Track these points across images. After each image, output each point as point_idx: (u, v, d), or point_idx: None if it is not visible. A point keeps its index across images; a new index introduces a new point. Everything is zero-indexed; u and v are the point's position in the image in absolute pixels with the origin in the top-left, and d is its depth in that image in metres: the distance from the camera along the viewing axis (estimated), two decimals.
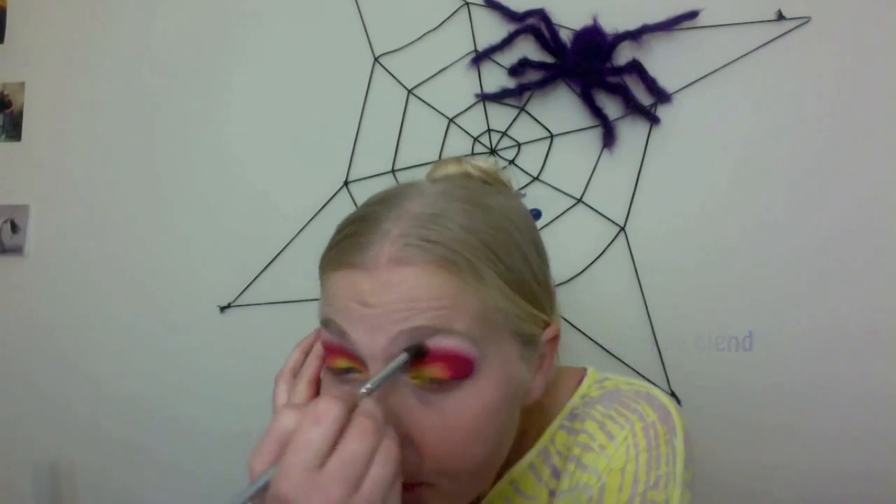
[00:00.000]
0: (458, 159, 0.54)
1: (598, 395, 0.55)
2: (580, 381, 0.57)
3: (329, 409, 0.36)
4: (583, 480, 0.50)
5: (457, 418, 0.42)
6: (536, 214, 0.65)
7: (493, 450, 0.45)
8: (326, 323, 0.45)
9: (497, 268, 0.44)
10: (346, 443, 0.35)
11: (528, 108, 0.95)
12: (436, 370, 0.42)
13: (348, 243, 0.45)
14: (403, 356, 0.42)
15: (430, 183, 0.50)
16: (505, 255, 0.45)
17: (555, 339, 0.50)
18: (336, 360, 0.45)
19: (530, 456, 0.53)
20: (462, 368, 0.42)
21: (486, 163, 0.55)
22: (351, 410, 0.37)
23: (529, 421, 0.53)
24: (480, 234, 0.44)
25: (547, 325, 0.49)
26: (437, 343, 0.41)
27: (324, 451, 0.35)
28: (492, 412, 0.43)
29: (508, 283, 0.45)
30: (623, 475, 0.49)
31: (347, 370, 0.45)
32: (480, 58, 0.97)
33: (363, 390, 0.41)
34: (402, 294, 0.42)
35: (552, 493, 0.52)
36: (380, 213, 0.45)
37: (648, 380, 0.91)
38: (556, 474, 0.52)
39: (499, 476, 0.54)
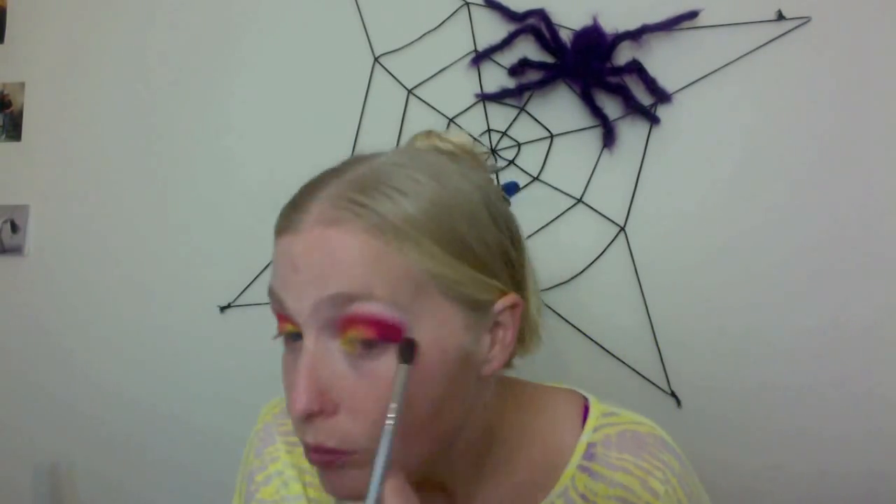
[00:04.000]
0: (428, 133, 0.54)
1: (616, 436, 0.53)
2: (584, 411, 0.55)
3: None
4: None
5: (389, 381, 0.41)
6: (511, 188, 0.63)
7: (431, 415, 0.44)
8: (269, 292, 0.46)
9: (433, 233, 0.43)
10: None
11: (528, 108, 0.95)
12: (361, 332, 0.41)
13: (287, 209, 0.46)
14: (403, 368, 0.41)
15: (391, 153, 0.50)
16: (446, 220, 0.44)
17: (515, 307, 0.48)
18: (284, 325, 0.45)
19: (551, 498, 0.52)
20: (388, 331, 0.41)
21: (458, 136, 0.53)
22: None
23: (540, 454, 0.53)
24: (421, 202, 0.43)
25: (503, 294, 0.47)
26: (359, 309, 0.41)
27: None
28: (426, 376, 0.42)
29: (444, 248, 0.43)
30: None
31: (296, 335, 0.44)
32: (480, 58, 0.97)
33: (389, 418, 0.40)
34: (324, 258, 0.42)
35: None
36: (323, 178, 0.47)
37: (648, 380, 0.91)
38: None
39: None
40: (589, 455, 0.52)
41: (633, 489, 0.51)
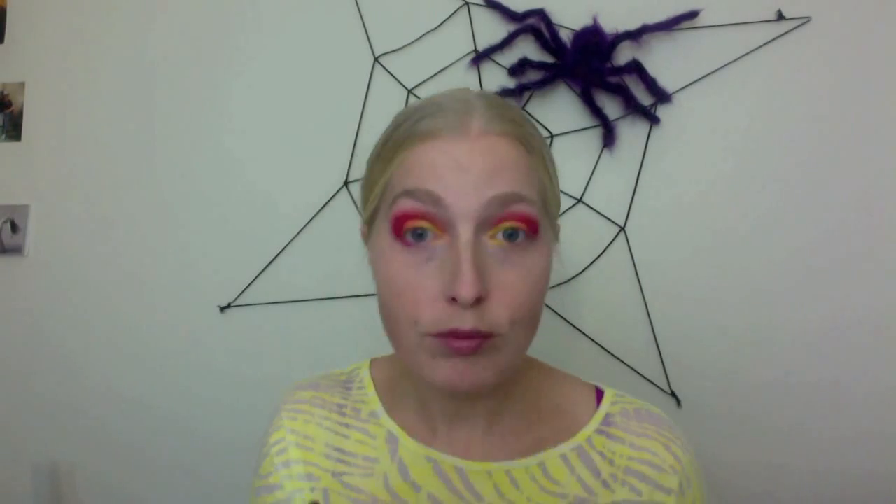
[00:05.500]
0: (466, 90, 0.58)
1: (633, 411, 0.59)
2: (599, 392, 0.61)
3: None
4: (657, 499, 0.56)
5: (530, 272, 0.49)
6: None
7: (542, 308, 0.52)
8: (413, 193, 0.48)
9: (548, 157, 0.53)
10: None
11: (528, 108, 0.95)
12: (513, 225, 0.48)
13: (436, 119, 0.49)
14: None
15: (485, 92, 0.55)
16: (548, 153, 0.54)
17: (558, 232, 0.57)
18: (414, 222, 0.48)
19: (563, 448, 0.56)
20: (533, 227, 0.49)
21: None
22: None
23: (556, 419, 0.58)
24: (538, 132, 0.53)
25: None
26: (518, 208, 0.48)
27: None
28: (547, 272, 0.51)
29: (552, 175, 0.54)
30: (699, 492, 0.58)
31: (421, 233, 0.48)
32: (480, 58, 0.97)
33: None
34: (493, 161, 0.47)
35: (590, 491, 0.55)
36: (452, 98, 0.51)
37: (648, 379, 0.91)
38: (597, 474, 0.56)
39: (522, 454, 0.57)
40: (607, 422, 0.58)
41: (658, 452, 0.57)
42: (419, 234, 0.48)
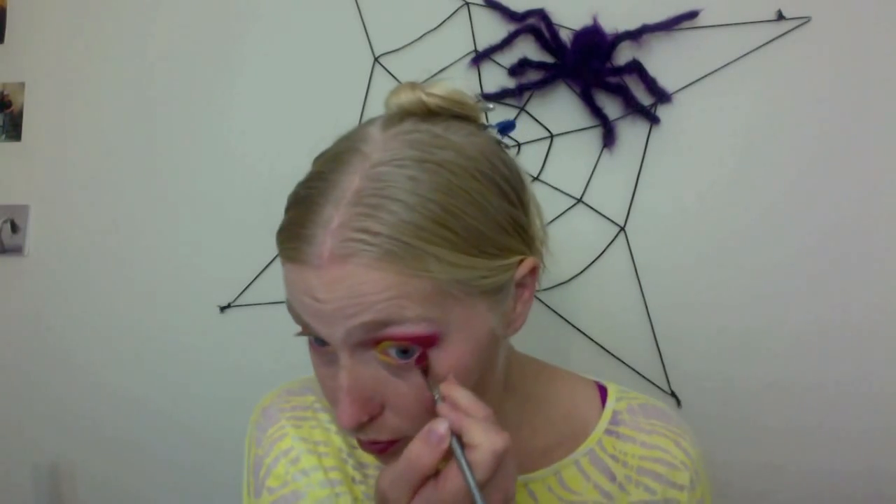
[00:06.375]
0: (412, 85, 0.49)
1: (639, 406, 0.59)
2: (603, 390, 0.60)
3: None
4: (670, 496, 0.56)
5: (433, 380, 0.43)
6: (507, 127, 0.56)
7: (476, 389, 0.45)
8: (289, 307, 0.46)
9: (449, 240, 0.42)
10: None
11: (528, 108, 0.95)
12: (396, 343, 0.42)
13: (292, 234, 0.43)
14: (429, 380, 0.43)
15: (379, 132, 0.47)
16: (457, 221, 0.42)
17: (534, 269, 0.48)
18: (308, 331, 0.45)
19: (576, 454, 0.56)
20: (423, 341, 0.42)
21: (443, 88, 0.48)
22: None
23: (561, 420, 0.57)
24: (428, 207, 0.41)
25: (521, 260, 0.47)
26: (392, 332, 0.41)
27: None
28: (463, 366, 0.44)
29: (464, 251, 0.43)
30: (707, 483, 0.58)
31: (322, 341, 0.45)
32: (480, 58, 0.97)
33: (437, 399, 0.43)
34: (348, 290, 0.41)
35: (608, 496, 0.55)
36: (320, 195, 0.43)
37: (648, 380, 0.91)
38: (612, 477, 0.56)
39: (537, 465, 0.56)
40: (615, 421, 0.57)
41: (669, 449, 0.56)
42: (320, 340, 0.44)
